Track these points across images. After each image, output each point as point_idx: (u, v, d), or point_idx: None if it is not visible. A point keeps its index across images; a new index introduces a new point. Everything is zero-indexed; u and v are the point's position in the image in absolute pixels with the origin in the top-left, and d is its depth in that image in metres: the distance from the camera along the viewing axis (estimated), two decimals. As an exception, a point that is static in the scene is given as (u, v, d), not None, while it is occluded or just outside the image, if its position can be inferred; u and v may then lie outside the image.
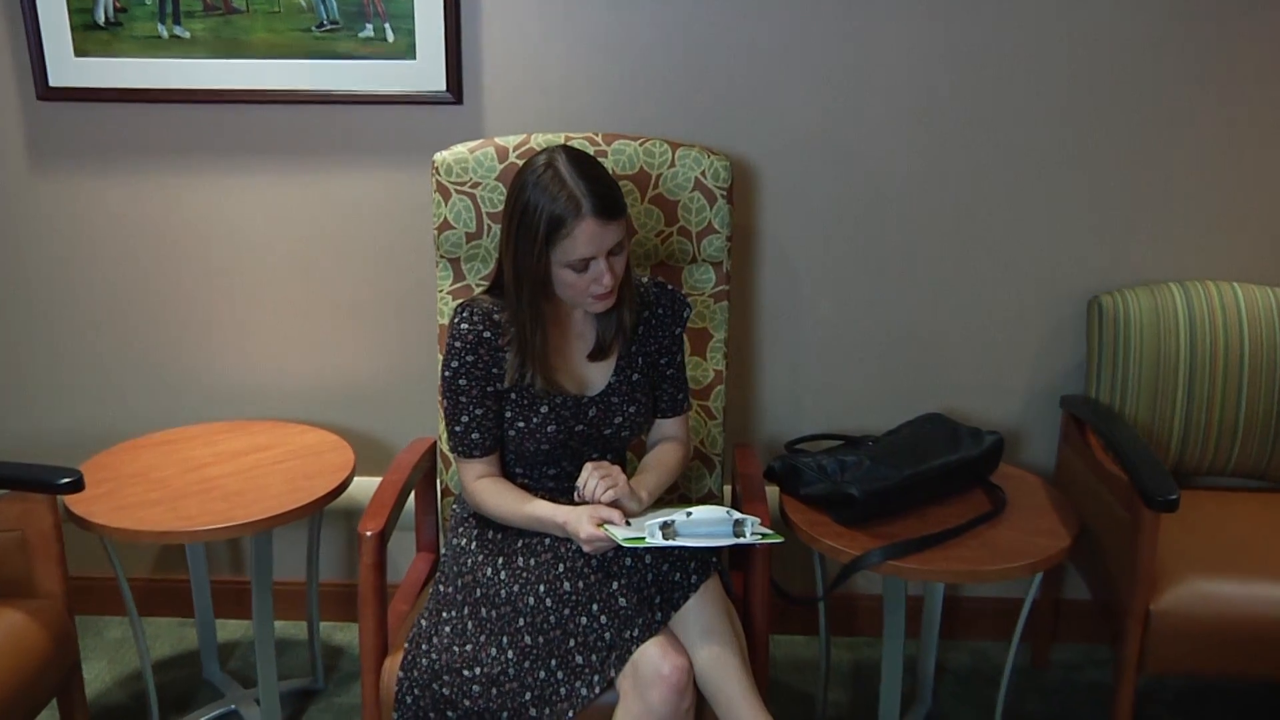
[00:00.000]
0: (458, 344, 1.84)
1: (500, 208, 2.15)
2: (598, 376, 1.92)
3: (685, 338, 2.07)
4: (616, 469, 1.81)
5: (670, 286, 1.98)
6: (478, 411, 1.87)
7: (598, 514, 1.75)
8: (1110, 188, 2.39)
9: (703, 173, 2.18)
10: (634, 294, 1.91)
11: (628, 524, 1.74)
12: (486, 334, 1.84)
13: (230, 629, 2.72)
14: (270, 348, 2.57)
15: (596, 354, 1.91)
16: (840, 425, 2.54)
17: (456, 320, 1.85)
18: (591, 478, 1.78)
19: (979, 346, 2.51)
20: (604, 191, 1.75)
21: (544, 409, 1.87)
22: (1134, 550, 2.01)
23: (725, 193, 2.19)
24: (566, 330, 1.92)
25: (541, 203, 1.74)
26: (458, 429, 1.88)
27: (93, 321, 2.56)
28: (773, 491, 2.22)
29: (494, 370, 1.85)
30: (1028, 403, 2.53)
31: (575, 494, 1.82)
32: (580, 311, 1.90)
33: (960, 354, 2.51)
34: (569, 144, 1.80)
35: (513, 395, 1.87)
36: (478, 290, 2.18)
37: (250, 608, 2.30)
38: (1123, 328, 2.32)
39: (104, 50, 2.36)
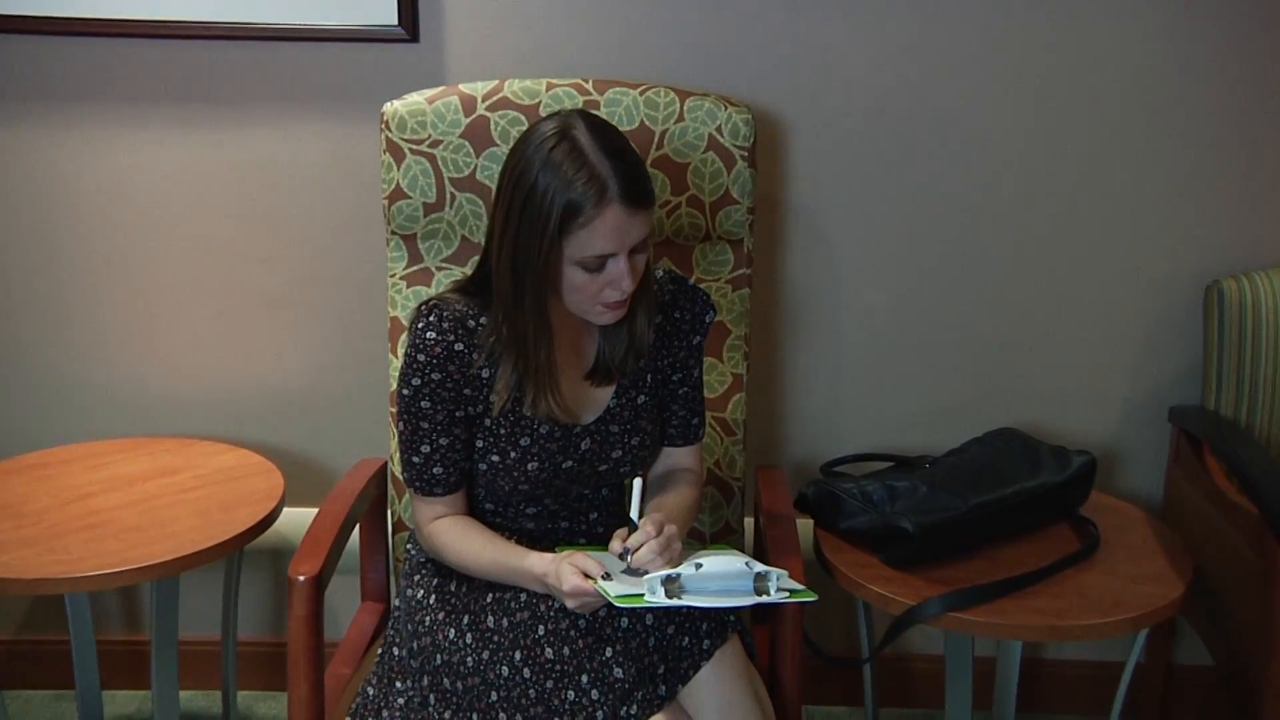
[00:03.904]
0: (421, 357, 1.82)
1: (466, 172, 2.17)
2: (594, 399, 1.91)
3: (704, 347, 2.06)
4: (674, 532, 1.75)
5: (691, 282, 1.98)
6: (442, 441, 1.85)
7: (575, 562, 1.73)
8: (1233, 145, 2.39)
9: (718, 128, 2.18)
10: (653, 302, 1.90)
11: (607, 576, 1.71)
12: (459, 346, 1.82)
13: (121, 702, 2.70)
14: (176, 346, 2.56)
15: (601, 376, 1.89)
16: (889, 443, 2.54)
17: (420, 325, 1.83)
18: (646, 550, 1.71)
19: (1065, 345, 2.51)
20: (633, 172, 1.75)
21: (524, 441, 1.85)
22: (1267, 603, 2.00)
23: (746, 154, 2.20)
24: (564, 342, 1.91)
25: (553, 184, 1.73)
26: (416, 460, 1.87)
27: (-50, 314, 2.56)
28: (806, 525, 2.21)
29: (466, 392, 1.84)
30: (1127, 415, 2.54)
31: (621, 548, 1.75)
32: (581, 319, 1.89)
33: (1041, 355, 2.52)
34: (584, 109, 1.81)
35: (487, 423, 1.85)
36: (440, 275, 2.21)
37: (149, 674, 2.29)
38: (1250, 320, 2.31)
39: (-48, -35, 2.35)
